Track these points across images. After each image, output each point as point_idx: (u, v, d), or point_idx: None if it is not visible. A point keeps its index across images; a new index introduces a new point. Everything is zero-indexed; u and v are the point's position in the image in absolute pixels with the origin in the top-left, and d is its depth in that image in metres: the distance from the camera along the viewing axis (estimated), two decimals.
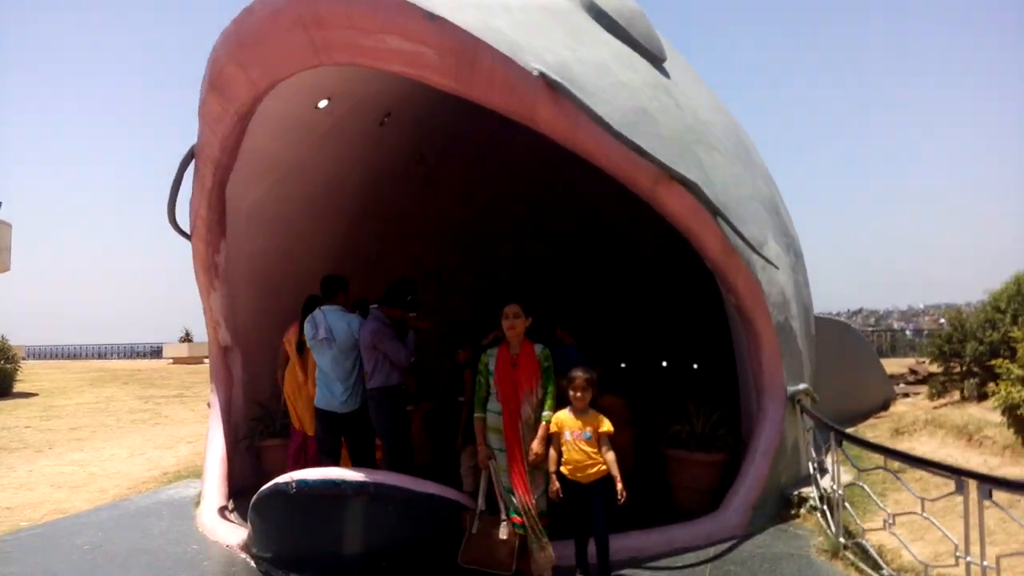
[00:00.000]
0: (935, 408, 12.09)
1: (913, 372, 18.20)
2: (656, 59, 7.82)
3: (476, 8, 5.60)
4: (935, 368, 13.85)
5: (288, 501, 5.17)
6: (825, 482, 7.07)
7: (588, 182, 11.62)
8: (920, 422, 10.68)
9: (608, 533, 5.12)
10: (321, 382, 6.61)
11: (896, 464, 5.42)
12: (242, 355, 8.52)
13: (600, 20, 7.42)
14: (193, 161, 6.95)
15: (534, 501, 5.09)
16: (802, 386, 7.51)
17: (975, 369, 11.75)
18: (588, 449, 5.04)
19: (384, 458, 6.48)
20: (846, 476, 6.98)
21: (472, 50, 5.29)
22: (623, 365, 9.53)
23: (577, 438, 5.09)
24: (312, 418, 7.82)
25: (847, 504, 5.89)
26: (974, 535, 4.14)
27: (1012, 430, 6.85)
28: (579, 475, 5.05)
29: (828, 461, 7.18)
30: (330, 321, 6.58)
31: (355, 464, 6.28)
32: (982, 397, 11.44)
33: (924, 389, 15.34)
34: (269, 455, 8.43)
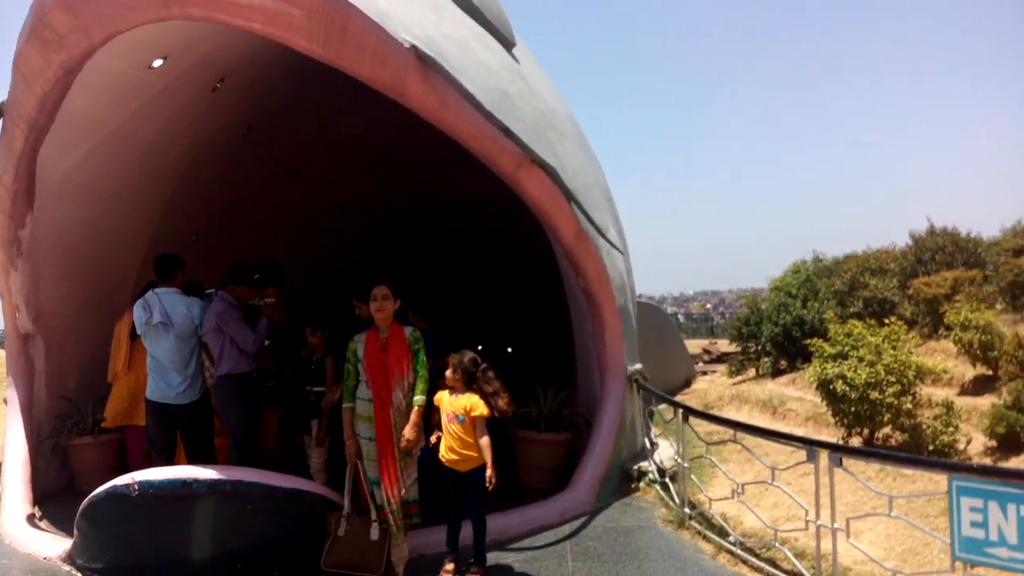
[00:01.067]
0: (734, 384, 13.13)
1: (707, 351, 19.75)
2: (508, 43, 7.78)
3: None
4: (732, 348, 15.07)
5: (129, 505, 4.56)
6: (659, 455, 7.47)
7: (424, 166, 11.48)
8: (726, 397, 11.57)
9: (484, 517, 5.04)
10: (155, 371, 5.89)
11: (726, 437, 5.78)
12: (45, 344, 7.51)
13: (457, 1, 7.25)
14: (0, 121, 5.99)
15: (403, 492, 4.86)
16: (638, 366, 7.82)
17: (769, 348, 12.89)
18: (460, 433, 4.90)
19: (230, 452, 5.96)
20: (668, 448, 7.45)
21: (343, 15, 4.93)
22: (480, 347, 9.55)
23: (451, 420, 4.93)
24: (126, 410, 7.10)
25: (692, 476, 6.21)
26: (823, 500, 4.48)
27: (823, 402, 7.53)
28: (457, 463, 4.91)
29: (655, 435, 7.66)
30: (166, 304, 5.89)
31: (191, 462, 5.70)
32: (776, 373, 12.58)
33: (720, 367, 16.69)
34: (79, 455, 7.49)
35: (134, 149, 7.63)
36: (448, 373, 5.04)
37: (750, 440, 5.98)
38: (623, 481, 7.11)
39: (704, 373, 16.54)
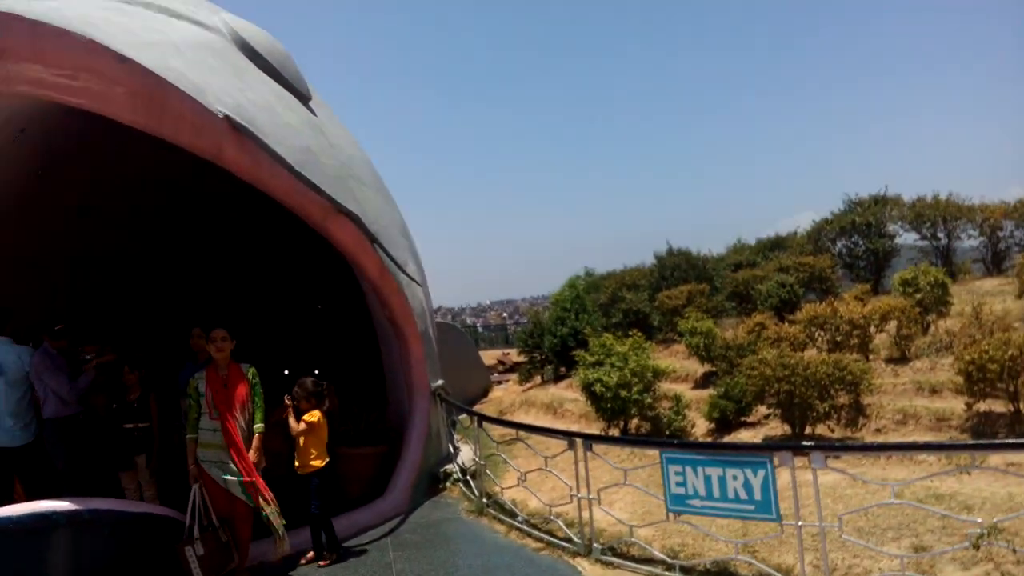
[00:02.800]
0: (524, 391, 14.40)
1: (502, 363, 21.03)
2: (304, 98, 8.36)
3: (155, 48, 5.62)
4: (521, 358, 16.42)
5: None
6: (461, 458, 8.41)
7: (220, 197, 11.50)
8: (517, 403, 12.78)
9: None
10: None
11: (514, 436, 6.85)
12: None
13: (255, 60, 7.62)
14: None
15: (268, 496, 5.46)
16: (440, 382, 8.71)
17: (551, 357, 14.31)
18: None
19: (62, 487, 6.09)
20: (469, 451, 8.44)
21: (161, 92, 5.34)
22: (287, 372, 9.79)
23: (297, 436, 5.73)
24: None
25: (488, 472, 7.20)
26: (582, 479, 5.63)
27: (588, 402, 8.84)
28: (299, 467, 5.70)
29: (457, 441, 8.60)
30: None
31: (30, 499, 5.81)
32: (558, 379, 14.00)
33: (513, 376, 18.00)
34: None
35: None
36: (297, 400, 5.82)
37: (534, 438, 7.09)
38: (432, 483, 7.91)
39: (499, 383, 17.73)
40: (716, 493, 4.52)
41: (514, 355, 22.19)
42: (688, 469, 4.65)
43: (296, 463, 5.93)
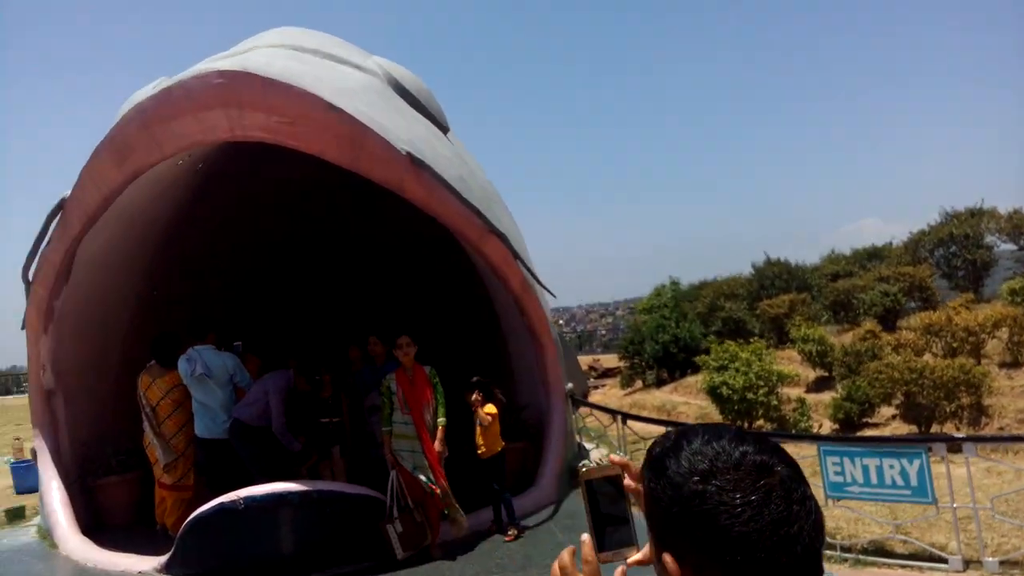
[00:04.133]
0: (626, 395, 14.87)
1: (593, 368, 21.54)
2: (445, 130, 9.10)
3: (348, 96, 6.37)
4: (621, 363, 16.88)
5: (235, 517, 5.43)
6: (592, 454, 8.94)
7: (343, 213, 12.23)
8: (625, 406, 13.21)
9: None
10: (202, 413, 6.82)
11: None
12: (64, 398, 8.10)
13: (405, 98, 8.38)
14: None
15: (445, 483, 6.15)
16: (570, 384, 9.29)
17: (652, 363, 14.73)
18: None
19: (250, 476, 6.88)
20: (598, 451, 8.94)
21: (360, 134, 6.08)
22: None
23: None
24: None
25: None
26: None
27: (713, 403, 9.25)
28: (482, 453, 6.40)
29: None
30: (205, 359, 6.86)
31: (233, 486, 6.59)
32: (660, 384, 14.42)
33: (607, 381, 18.49)
34: (106, 493, 8.09)
35: (132, 223, 8.35)
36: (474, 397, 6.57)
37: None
38: (571, 476, 8.51)
39: (595, 387, 18.23)
40: (874, 480, 4.91)
41: (604, 360, 22.67)
42: (846, 460, 5.05)
43: (481, 449, 6.58)
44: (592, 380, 19.56)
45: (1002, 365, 8.38)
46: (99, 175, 6.24)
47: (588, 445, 9.23)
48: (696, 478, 0.85)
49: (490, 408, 6.61)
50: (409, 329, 6.42)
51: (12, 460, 13.60)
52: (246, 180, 10.33)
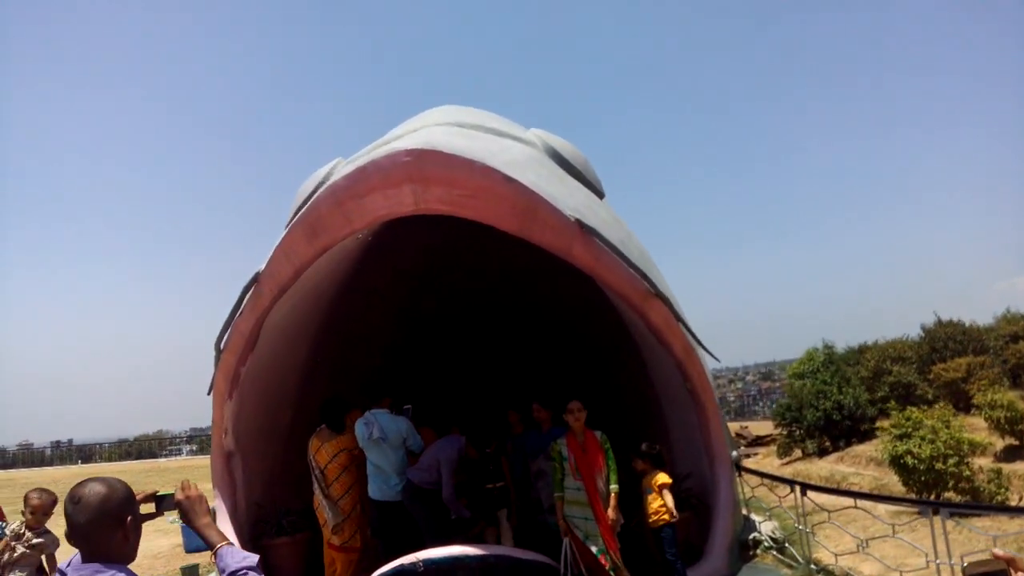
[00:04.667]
0: (784, 464, 14.18)
1: (741, 436, 20.70)
2: (602, 196, 9.31)
3: (518, 167, 6.69)
4: (774, 430, 16.17)
5: None
6: (763, 527, 8.55)
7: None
8: (788, 476, 12.59)
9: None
10: (376, 476, 7.14)
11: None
12: (242, 461, 8.67)
13: (563, 166, 8.68)
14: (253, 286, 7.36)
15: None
16: (735, 452, 9.00)
17: (812, 431, 14.02)
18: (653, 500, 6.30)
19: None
20: (768, 524, 8.52)
21: (534, 204, 6.36)
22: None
23: (647, 494, 6.35)
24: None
25: (817, 539, 7.30)
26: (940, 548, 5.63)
27: (896, 473, 8.67)
28: (655, 521, 6.29)
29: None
30: (381, 422, 7.20)
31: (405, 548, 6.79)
32: (822, 453, 13.67)
33: (759, 450, 17.71)
34: (277, 552, 8.51)
35: (306, 295, 8.97)
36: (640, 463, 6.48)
37: (842, 512, 7.13)
38: (742, 549, 8.17)
39: (746, 455, 17.50)
40: None
41: (753, 427, 21.73)
42: None
43: (651, 517, 6.48)
44: (743, 448, 18.80)
45: None
46: (292, 250, 6.80)
47: (756, 517, 8.84)
48: None
49: (664, 478, 6.52)
50: (576, 394, 6.49)
51: (177, 520, 14.63)
52: (397, 253, 10.92)
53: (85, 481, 2.40)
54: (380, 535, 7.14)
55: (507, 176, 6.17)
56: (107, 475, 2.51)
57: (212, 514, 2.65)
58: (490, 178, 6.12)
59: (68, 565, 2.42)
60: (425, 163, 6.00)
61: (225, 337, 7.78)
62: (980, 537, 6.18)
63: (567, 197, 7.04)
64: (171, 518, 14.62)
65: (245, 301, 7.47)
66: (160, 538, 12.24)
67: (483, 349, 13.63)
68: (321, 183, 7.89)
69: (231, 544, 2.55)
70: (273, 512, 8.57)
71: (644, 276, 7.19)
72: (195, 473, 23.80)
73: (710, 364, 9.73)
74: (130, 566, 2.42)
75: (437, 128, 6.90)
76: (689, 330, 8.11)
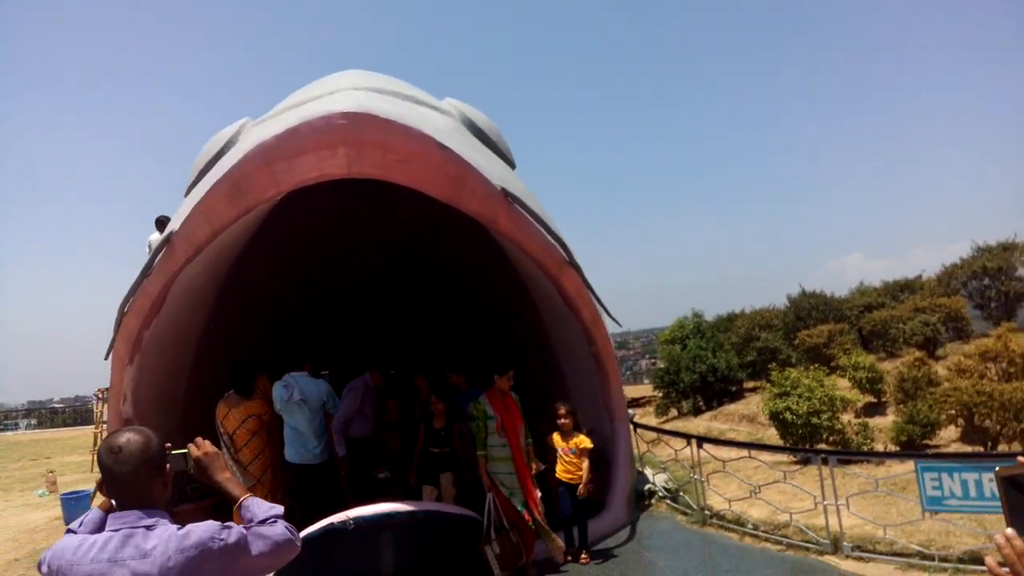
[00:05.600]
0: (662, 423, 15.22)
1: None
2: (513, 167, 9.61)
3: (448, 136, 6.86)
4: (653, 392, 17.30)
5: (343, 538, 5.78)
6: (655, 478, 9.30)
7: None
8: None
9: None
10: (295, 440, 7.20)
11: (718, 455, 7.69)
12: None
13: (479, 136, 8.91)
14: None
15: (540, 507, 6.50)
16: (631, 411, 9.70)
17: (688, 392, 15.16)
18: (574, 460, 6.71)
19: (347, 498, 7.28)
20: (659, 475, 9.30)
21: (464, 173, 6.58)
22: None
23: (566, 452, 6.71)
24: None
25: (710, 486, 8.06)
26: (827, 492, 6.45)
27: (776, 428, 9.64)
28: (569, 478, 6.68)
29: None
30: (301, 385, 7.26)
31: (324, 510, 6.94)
32: (697, 412, 14.81)
33: (637, 411, 18.86)
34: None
35: (207, 259, 8.72)
36: (562, 420, 6.87)
37: (728, 463, 7.93)
38: (638, 500, 8.86)
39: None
40: (972, 493, 5.31)
41: (629, 391, 23.01)
42: (944, 475, 5.46)
43: (567, 473, 6.93)
44: None
45: None
46: (212, 210, 6.67)
47: (649, 471, 9.60)
48: None
49: (587, 442, 6.97)
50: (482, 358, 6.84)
51: (46, 492, 13.85)
52: (301, 218, 10.76)
53: (119, 431, 2.45)
54: (298, 498, 7.20)
55: (441, 144, 6.35)
56: None
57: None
58: (426, 145, 6.27)
59: (84, 521, 2.48)
60: (362, 126, 6.05)
61: (131, 300, 7.50)
62: (857, 480, 7.07)
63: (491, 167, 7.30)
64: (40, 491, 13.80)
65: (156, 262, 7.23)
66: (32, 512, 11.58)
67: (386, 317, 13.69)
68: (227, 144, 7.72)
69: (254, 496, 2.65)
70: (176, 480, 8.41)
71: (562, 245, 7.60)
72: (46, 448, 22.34)
73: (611, 328, 10.36)
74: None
75: (358, 92, 6.90)
76: (596, 297, 8.63)
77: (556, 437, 7.03)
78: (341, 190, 7.86)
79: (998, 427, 7.43)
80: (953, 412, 7.90)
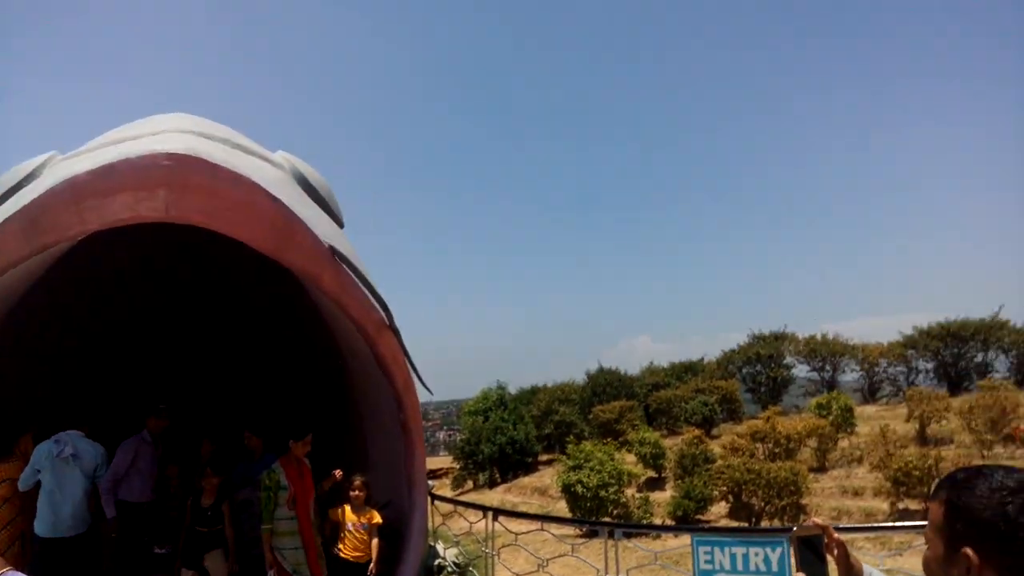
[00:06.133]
0: (458, 495, 15.33)
1: None
2: (342, 226, 9.53)
3: (278, 187, 6.74)
4: (453, 464, 17.40)
5: None
6: (446, 552, 9.31)
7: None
8: (459, 508, 13.67)
9: None
10: (48, 504, 6.43)
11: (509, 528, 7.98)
12: None
13: (309, 192, 8.79)
14: None
15: None
16: (431, 481, 9.74)
17: (486, 464, 15.43)
18: (364, 537, 6.52)
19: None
20: (446, 545, 9.38)
21: (293, 226, 6.47)
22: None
23: (357, 528, 6.52)
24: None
25: (500, 561, 8.20)
26: (610, 564, 6.84)
27: (567, 500, 10.08)
28: (356, 556, 6.45)
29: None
30: (76, 443, 6.61)
31: None
32: (492, 484, 15.08)
33: (433, 482, 18.81)
34: None
35: None
36: (356, 493, 6.67)
37: (520, 536, 8.21)
38: (427, 575, 8.80)
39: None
40: (740, 567, 5.91)
41: (454, 462, 22.95)
42: (716, 549, 6.03)
43: (356, 552, 6.74)
44: None
45: (811, 469, 10.12)
46: (2, 246, 6.03)
47: (441, 544, 9.64)
48: (1005, 493, 1.31)
49: (378, 518, 6.88)
50: (286, 420, 6.67)
51: None
52: (81, 265, 9.95)
53: None
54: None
55: (272, 194, 6.22)
56: None
57: None
58: (254, 193, 6.12)
59: None
60: (188, 169, 5.81)
61: None
62: (636, 553, 7.58)
63: (320, 223, 7.22)
64: None
65: None
66: None
67: (182, 374, 12.76)
68: (28, 177, 7.05)
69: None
70: None
71: (384, 308, 7.61)
72: None
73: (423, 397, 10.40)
74: None
75: (185, 135, 6.64)
76: (411, 363, 8.67)
77: (346, 510, 6.84)
78: (144, 234, 7.38)
79: (762, 503, 8.36)
80: (725, 488, 8.78)
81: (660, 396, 15.08)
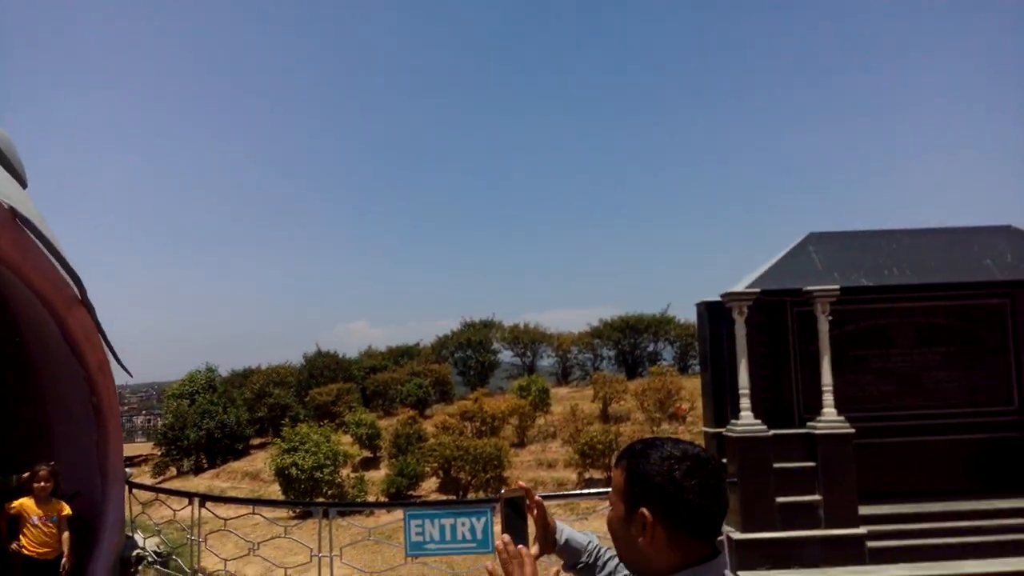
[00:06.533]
0: (159, 483, 14.25)
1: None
2: (25, 185, 8.41)
3: None
4: (154, 450, 16.07)
5: None
6: (145, 542, 8.72)
7: None
8: (165, 496, 12.78)
9: None
10: None
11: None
12: None
13: None
14: None
15: None
16: (129, 470, 9.03)
17: (192, 450, 14.56)
18: (52, 531, 5.97)
19: None
20: (147, 535, 8.86)
21: None
22: None
23: (43, 522, 5.92)
24: None
25: (207, 548, 7.86)
26: (324, 544, 6.94)
27: (279, 483, 9.88)
28: (43, 553, 5.89)
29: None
30: None
31: None
32: (198, 471, 14.26)
33: (131, 470, 17.20)
34: None
35: None
36: (40, 484, 6.01)
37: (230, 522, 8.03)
38: (123, 567, 8.18)
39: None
40: (448, 537, 6.35)
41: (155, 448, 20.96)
42: (426, 522, 6.41)
43: (42, 547, 6.11)
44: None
45: (512, 445, 11.06)
46: None
47: (141, 534, 9.03)
48: (672, 461, 1.50)
49: (68, 509, 6.31)
50: None
51: None
52: None
53: None
54: None
55: None
56: None
57: None
58: None
59: None
60: None
61: None
62: (350, 531, 7.76)
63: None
64: None
65: None
66: None
67: None
68: None
69: None
70: None
71: (77, 280, 6.89)
72: None
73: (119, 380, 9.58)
74: None
75: None
76: (108, 342, 7.95)
77: (28, 503, 6.16)
78: None
79: (469, 477, 8.99)
80: (436, 464, 9.30)
81: (377, 379, 15.43)
